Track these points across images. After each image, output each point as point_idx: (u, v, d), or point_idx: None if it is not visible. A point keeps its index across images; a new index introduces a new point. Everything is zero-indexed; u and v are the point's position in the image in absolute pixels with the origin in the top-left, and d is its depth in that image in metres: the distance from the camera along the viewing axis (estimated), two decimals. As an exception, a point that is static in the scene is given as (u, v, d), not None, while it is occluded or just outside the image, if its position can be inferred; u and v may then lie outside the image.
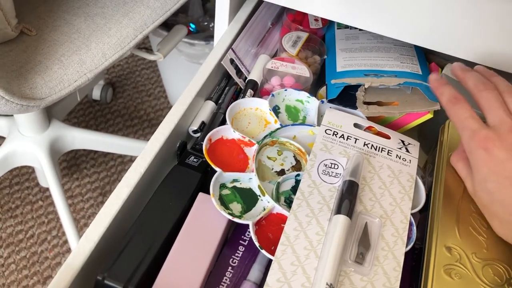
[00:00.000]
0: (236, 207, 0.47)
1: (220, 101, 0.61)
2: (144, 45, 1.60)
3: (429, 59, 0.66)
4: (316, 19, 0.69)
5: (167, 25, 1.21)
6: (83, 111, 1.45)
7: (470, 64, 0.61)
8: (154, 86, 1.56)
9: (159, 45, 0.84)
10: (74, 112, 1.44)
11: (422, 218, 0.54)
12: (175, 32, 0.87)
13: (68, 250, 1.15)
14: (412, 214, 0.50)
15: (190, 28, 1.28)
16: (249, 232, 0.47)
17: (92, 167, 1.32)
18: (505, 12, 0.52)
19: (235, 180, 0.49)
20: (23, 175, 1.28)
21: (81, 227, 1.20)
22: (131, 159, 1.34)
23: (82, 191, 1.27)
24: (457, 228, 0.47)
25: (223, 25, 0.68)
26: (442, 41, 0.57)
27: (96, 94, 1.43)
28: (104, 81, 1.45)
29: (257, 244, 0.44)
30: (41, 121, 1.02)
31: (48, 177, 1.01)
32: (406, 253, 0.48)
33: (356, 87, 0.59)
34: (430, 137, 0.62)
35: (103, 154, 1.34)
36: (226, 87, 0.64)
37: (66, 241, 1.16)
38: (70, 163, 1.32)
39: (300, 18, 0.69)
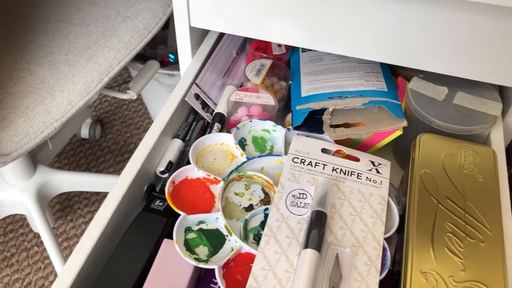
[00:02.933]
0: (203, 250, 0.46)
1: (187, 138, 0.61)
2: (131, 78, 1.60)
3: (396, 72, 0.65)
4: (279, 44, 0.68)
5: (145, 58, 1.21)
6: (73, 151, 1.44)
7: (437, 75, 0.60)
8: (143, 118, 1.56)
9: (131, 83, 0.83)
10: (64, 152, 1.44)
11: (400, 239, 0.52)
12: (147, 68, 0.87)
13: (66, 295, 1.14)
14: (387, 238, 0.49)
15: (170, 59, 1.28)
16: (219, 274, 0.46)
17: (85, 207, 1.32)
18: (468, 22, 0.51)
19: (201, 222, 0.48)
20: (17, 222, 1.27)
21: (78, 270, 1.19)
22: (124, 195, 1.33)
23: (77, 232, 1.26)
24: (433, 250, 0.45)
25: (187, 60, 0.67)
26: (405, 55, 0.56)
27: (85, 132, 1.43)
28: (91, 118, 1.45)
29: (223, 289, 0.43)
30: (26, 168, 1.01)
31: (37, 224, 1.01)
32: (385, 280, 0.46)
33: (322, 111, 0.58)
34: (405, 152, 0.61)
35: (95, 192, 1.33)
36: (194, 122, 0.63)
37: (63, 286, 1.15)
38: (63, 205, 1.32)
39: (264, 46, 0.69)
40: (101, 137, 1.49)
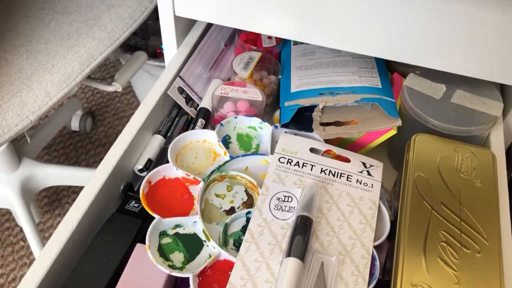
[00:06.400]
0: (178, 257, 0.43)
1: (169, 134, 0.57)
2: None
3: (392, 68, 0.62)
4: (269, 37, 0.65)
5: (137, 49, 1.18)
6: (63, 144, 1.41)
7: (435, 72, 0.56)
8: (136, 111, 1.52)
9: (117, 75, 0.80)
10: (54, 145, 1.40)
11: (391, 247, 0.49)
12: (134, 59, 0.83)
13: (52, 291, 1.11)
14: (377, 245, 0.46)
15: (162, 51, 1.25)
16: (195, 282, 0.43)
17: (74, 201, 1.28)
18: (469, 16, 0.48)
19: (177, 226, 0.45)
20: (3, 216, 1.24)
21: (64, 265, 1.16)
22: (114, 189, 1.30)
23: (65, 227, 1.23)
24: (425, 261, 0.42)
25: (172, 51, 0.64)
26: (402, 50, 0.53)
27: (75, 125, 1.39)
28: (82, 110, 1.42)
29: (197, 299, 0.40)
30: (10, 161, 0.98)
31: (21, 219, 0.98)
32: (374, 291, 0.43)
33: (313, 108, 0.55)
34: (399, 153, 0.57)
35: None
36: (177, 117, 0.59)
37: (49, 282, 1.12)
38: (51, 199, 1.29)
39: (253, 37, 0.65)
40: (92, 129, 1.46)
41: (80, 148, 1.40)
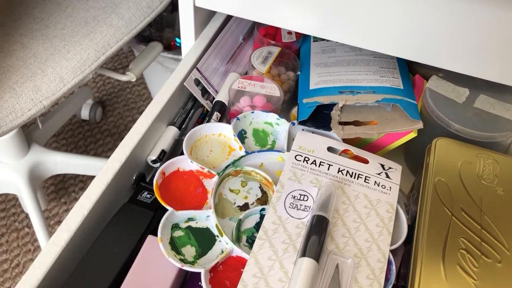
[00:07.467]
0: (190, 251, 0.42)
1: (184, 126, 0.56)
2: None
3: (414, 70, 0.60)
4: (289, 32, 0.64)
5: (151, 40, 1.17)
6: (72, 132, 1.41)
7: (458, 76, 0.55)
8: (146, 103, 1.51)
9: (131, 65, 0.79)
10: (63, 133, 1.40)
11: (407, 252, 0.48)
12: (149, 50, 0.82)
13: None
14: (393, 249, 0.45)
15: (176, 43, 1.24)
16: (205, 278, 0.42)
17: (80, 190, 1.28)
18: (499, 19, 0.46)
19: (190, 219, 0.44)
20: (9, 201, 1.24)
21: (68, 254, 1.16)
22: (121, 180, 1.29)
23: (70, 216, 1.23)
24: (443, 268, 0.41)
25: (190, 42, 0.63)
26: (426, 51, 0.51)
27: (85, 114, 1.39)
28: (93, 100, 1.41)
29: (209, 295, 0.39)
30: (20, 146, 0.98)
31: (27, 205, 0.97)
32: (387, 296, 0.42)
33: (331, 106, 0.54)
34: (418, 156, 0.56)
35: (92, 176, 1.30)
36: (192, 109, 0.58)
37: (52, 270, 1.12)
38: (58, 187, 1.28)
39: (272, 32, 0.64)
40: (102, 119, 1.45)
41: (89, 137, 1.40)
